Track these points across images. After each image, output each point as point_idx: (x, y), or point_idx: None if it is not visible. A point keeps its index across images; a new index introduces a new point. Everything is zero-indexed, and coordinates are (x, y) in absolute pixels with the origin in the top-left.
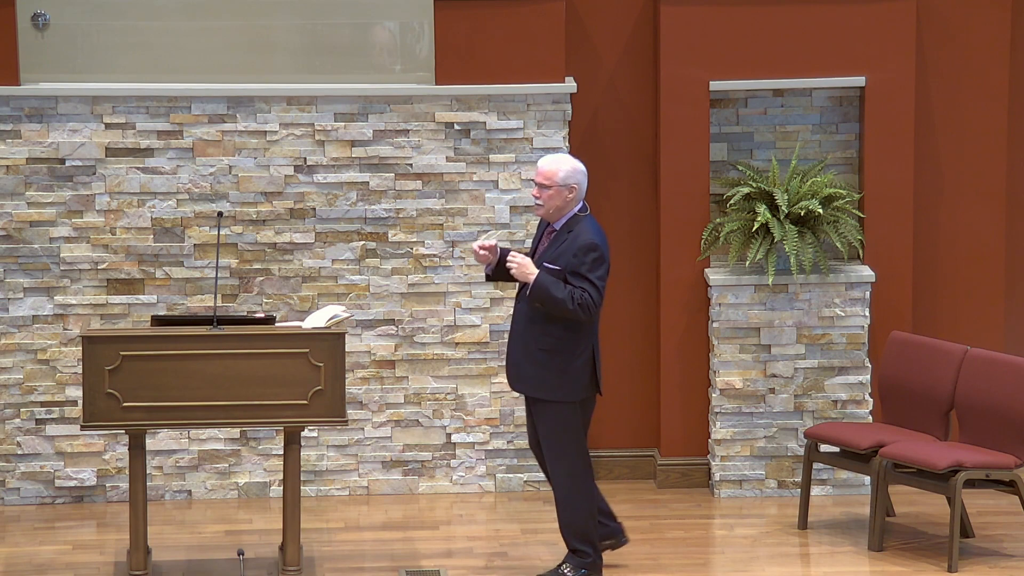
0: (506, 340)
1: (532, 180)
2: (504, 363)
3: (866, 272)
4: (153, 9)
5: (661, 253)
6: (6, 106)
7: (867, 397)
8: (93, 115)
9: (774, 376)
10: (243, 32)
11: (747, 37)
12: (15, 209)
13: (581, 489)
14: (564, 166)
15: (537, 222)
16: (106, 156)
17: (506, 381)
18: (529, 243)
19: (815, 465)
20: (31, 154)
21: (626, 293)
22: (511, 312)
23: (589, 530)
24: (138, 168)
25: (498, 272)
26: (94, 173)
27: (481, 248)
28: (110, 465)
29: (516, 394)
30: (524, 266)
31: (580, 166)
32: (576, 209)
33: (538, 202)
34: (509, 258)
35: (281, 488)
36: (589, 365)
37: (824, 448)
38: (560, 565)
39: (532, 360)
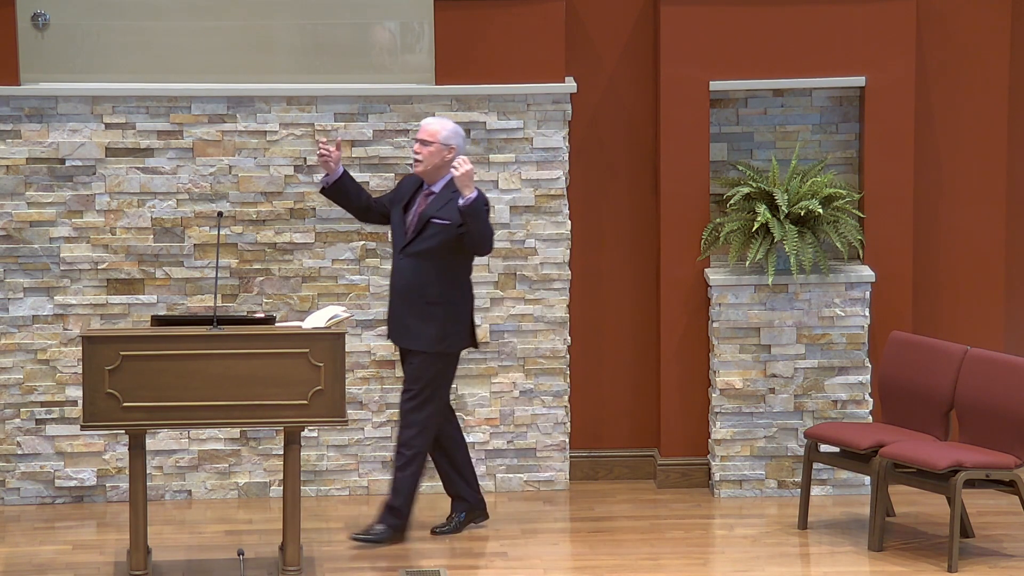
0: (505, 339)
1: (416, 138)
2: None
3: (866, 272)
4: (153, 9)
5: (661, 253)
6: (6, 106)
7: (867, 397)
8: (93, 115)
9: (774, 376)
10: (243, 32)
11: (747, 37)
12: (15, 209)
13: (423, 447)
14: (448, 126)
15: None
16: (106, 156)
17: (504, 380)
18: (531, 243)
19: (815, 465)
20: (31, 154)
21: (626, 293)
22: (509, 310)
23: (414, 489)
24: (138, 168)
25: (336, 190)
26: (94, 173)
27: (324, 146)
28: (110, 465)
29: (517, 394)
30: (471, 173)
31: (461, 131)
32: (453, 173)
33: (418, 158)
34: (459, 161)
35: (281, 488)
36: (469, 317)
37: (824, 448)
38: (375, 524)
39: (417, 314)
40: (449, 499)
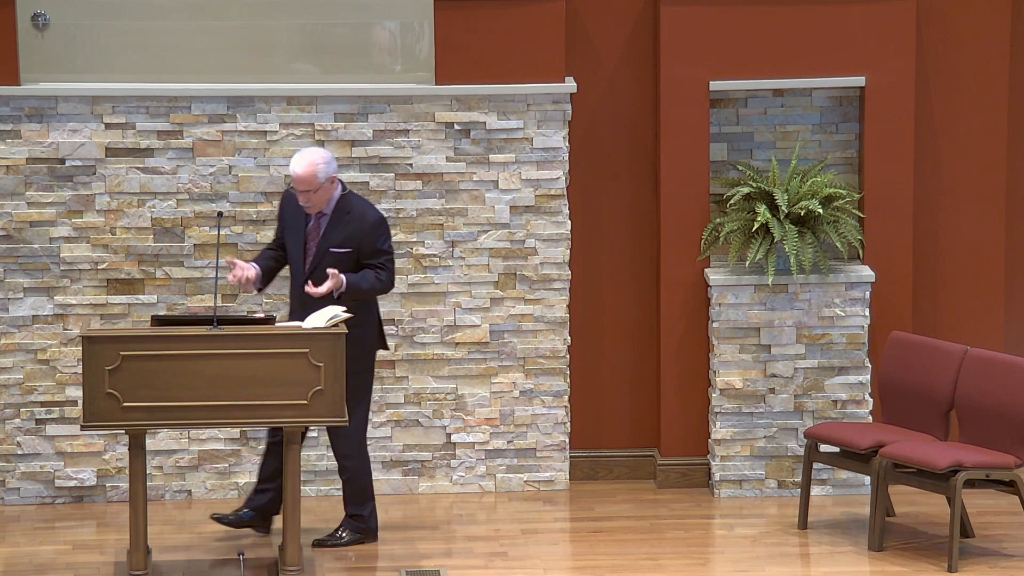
0: (505, 339)
1: (296, 188)
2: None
3: (866, 272)
4: (153, 9)
5: (661, 253)
6: (6, 106)
7: (867, 397)
8: (93, 115)
9: (774, 376)
10: (243, 32)
11: (747, 37)
12: (15, 209)
13: (364, 450)
14: (319, 166)
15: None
16: (106, 156)
17: (504, 380)
18: (531, 243)
19: (815, 465)
20: (31, 154)
21: (626, 293)
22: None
23: (369, 492)
24: (138, 168)
25: (267, 281)
26: (94, 173)
27: (234, 277)
28: (110, 465)
29: (517, 394)
30: (324, 287)
31: (326, 154)
32: (339, 191)
33: (310, 206)
34: (323, 289)
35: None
36: (377, 322)
37: (824, 448)
38: (337, 529)
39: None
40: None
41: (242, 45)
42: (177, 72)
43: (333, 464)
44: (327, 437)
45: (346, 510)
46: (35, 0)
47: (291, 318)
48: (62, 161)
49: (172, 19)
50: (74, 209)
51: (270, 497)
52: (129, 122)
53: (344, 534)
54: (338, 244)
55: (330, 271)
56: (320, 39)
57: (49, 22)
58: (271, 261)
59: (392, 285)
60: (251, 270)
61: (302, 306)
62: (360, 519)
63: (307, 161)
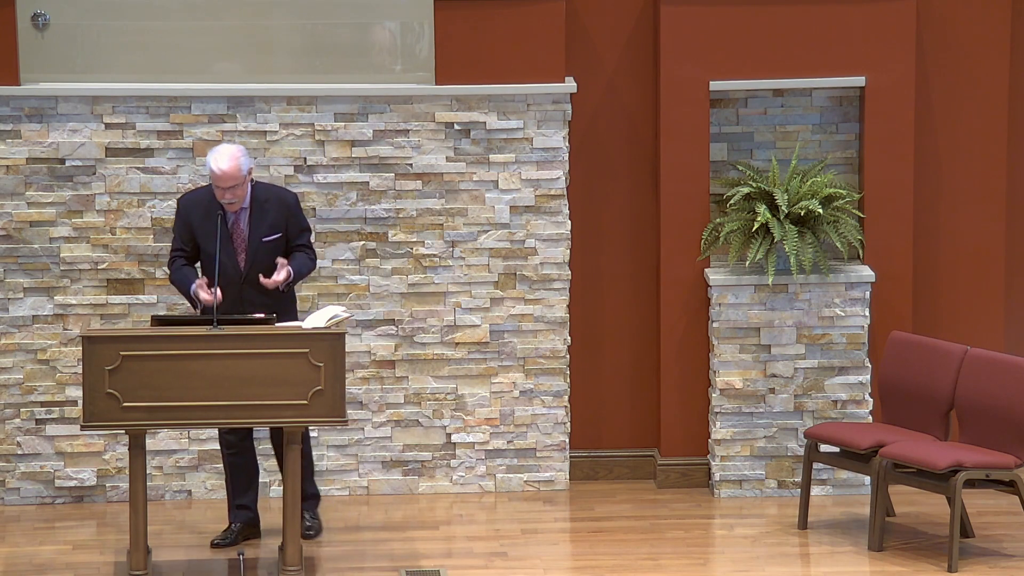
0: (505, 339)
1: (217, 186)
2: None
3: (866, 272)
4: (153, 9)
5: (661, 253)
6: (6, 106)
7: (867, 397)
8: (93, 115)
9: (774, 376)
10: (243, 32)
11: (747, 37)
12: (15, 209)
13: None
14: (240, 159)
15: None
16: (106, 156)
17: (504, 380)
18: (531, 243)
19: (815, 465)
20: (31, 154)
21: (626, 293)
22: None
23: (312, 470)
24: (138, 168)
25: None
26: (94, 173)
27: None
28: (110, 465)
29: (517, 394)
30: (281, 276)
31: (241, 147)
32: (250, 182)
33: (233, 202)
34: (276, 278)
35: (281, 488)
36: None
37: (824, 448)
38: (303, 515)
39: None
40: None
41: (242, 45)
42: (177, 72)
43: (334, 464)
44: (327, 437)
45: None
46: (35, 0)
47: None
48: (62, 161)
49: (172, 19)
50: (74, 209)
51: (251, 515)
52: (129, 122)
53: (309, 517)
54: (267, 233)
55: (279, 261)
56: (320, 39)
57: (49, 22)
58: (193, 270)
59: (313, 268)
60: (216, 292)
61: (241, 304)
62: (315, 498)
63: (228, 155)
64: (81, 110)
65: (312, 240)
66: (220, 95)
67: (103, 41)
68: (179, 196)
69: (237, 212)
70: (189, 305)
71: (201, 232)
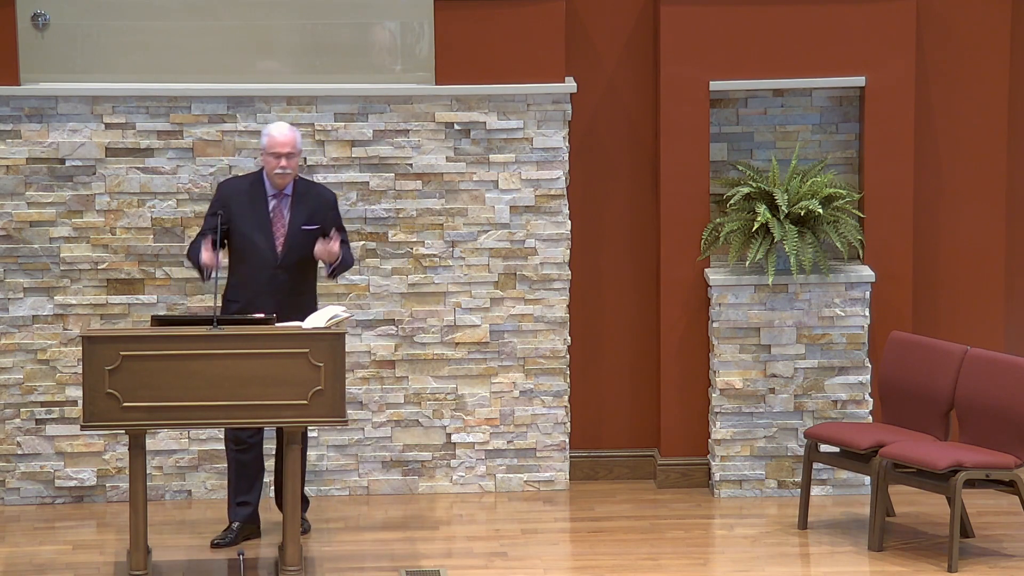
0: (505, 339)
1: (276, 153)
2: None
3: (866, 272)
4: (153, 9)
5: (661, 253)
6: (6, 106)
7: (867, 397)
8: (93, 115)
9: (774, 376)
10: (243, 32)
11: (747, 37)
12: (15, 209)
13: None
14: (297, 133)
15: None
16: (106, 156)
17: (504, 380)
18: (531, 243)
19: (815, 465)
20: (31, 154)
21: (626, 293)
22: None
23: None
24: (138, 168)
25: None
26: (94, 173)
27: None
28: (110, 465)
29: (517, 394)
30: (335, 246)
31: None
32: None
33: (287, 171)
34: (331, 246)
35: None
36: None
37: (824, 448)
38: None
39: (296, 310)
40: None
41: (242, 45)
42: (177, 72)
43: (334, 464)
44: (327, 437)
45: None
46: (35, 0)
47: (258, 306)
48: (62, 161)
49: (172, 19)
50: (74, 209)
51: (251, 511)
52: (129, 122)
53: (305, 522)
54: (307, 222)
55: (333, 233)
56: (320, 39)
57: (49, 22)
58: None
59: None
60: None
61: (273, 291)
62: (305, 500)
63: (287, 126)
64: (81, 110)
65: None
66: (220, 95)
67: (103, 41)
68: (221, 181)
69: (279, 199)
70: (199, 275)
71: (241, 216)
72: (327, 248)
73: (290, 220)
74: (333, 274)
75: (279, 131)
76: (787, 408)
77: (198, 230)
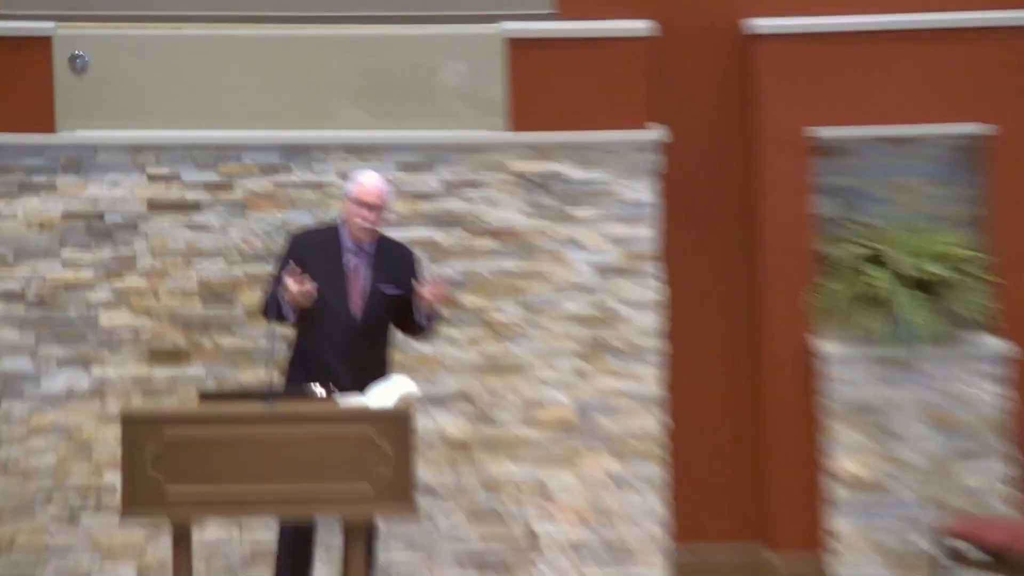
0: (588, 418)
1: (361, 202)
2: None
3: (998, 344)
4: (200, 50)
5: (764, 320)
6: (40, 156)
7: (1009, 487)
8: (135, 166)
9: (898, 461)
10: (297, 75)
11: (856, 79)
12: (49, 271)
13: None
14: (387, 185)
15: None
16: (149, 211)
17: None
18: (619, 309)
19: (953, 568)
20: (67, 209)
21: (723, 363)
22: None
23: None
24: (184, 224)
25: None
26: (136, 230)
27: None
28: (152, 560)
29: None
30: (439, 291)
31: None
32: None
33: (370, 226)
34: (441, 289)
35: None
36: None
37: (962, 546)
38: None
39: (373, 375)
40: None
41: (296, 89)
42: (226, 118)
43: (400, 558)
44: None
45: None
46: (73, 41)
47: (332, 373)
48: (101, 216)
49: (221, 61)
50: (113, 270)
51: None
52: (174, 173)
53: None
54: (388, 283)
55: (431, 277)
56: (382, 82)
57: (88, 64)
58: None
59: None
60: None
61: (348, 360)
62: None
63: (378, 176)
64: (122, 160)
65: None
66: (273, 143)
67: (146, 85)
68: (293, 231)
69: (358, 255)
70: (283, 313)
71: (317, 271)
72: (436, 289)
73: (373, 277)
74: (426, 326)
75: (369, 179)
76: (915, 498)
77: (252, 294)
